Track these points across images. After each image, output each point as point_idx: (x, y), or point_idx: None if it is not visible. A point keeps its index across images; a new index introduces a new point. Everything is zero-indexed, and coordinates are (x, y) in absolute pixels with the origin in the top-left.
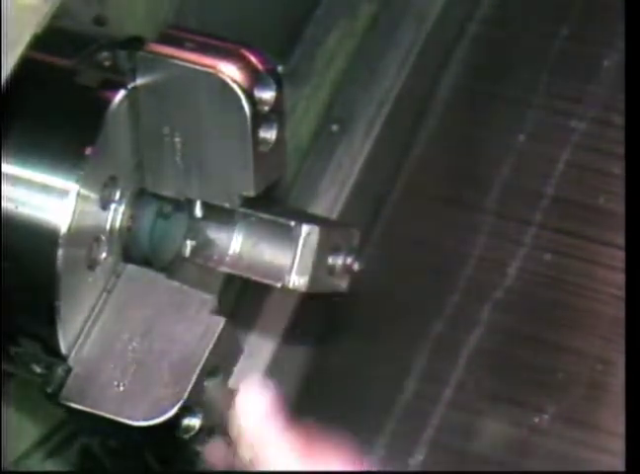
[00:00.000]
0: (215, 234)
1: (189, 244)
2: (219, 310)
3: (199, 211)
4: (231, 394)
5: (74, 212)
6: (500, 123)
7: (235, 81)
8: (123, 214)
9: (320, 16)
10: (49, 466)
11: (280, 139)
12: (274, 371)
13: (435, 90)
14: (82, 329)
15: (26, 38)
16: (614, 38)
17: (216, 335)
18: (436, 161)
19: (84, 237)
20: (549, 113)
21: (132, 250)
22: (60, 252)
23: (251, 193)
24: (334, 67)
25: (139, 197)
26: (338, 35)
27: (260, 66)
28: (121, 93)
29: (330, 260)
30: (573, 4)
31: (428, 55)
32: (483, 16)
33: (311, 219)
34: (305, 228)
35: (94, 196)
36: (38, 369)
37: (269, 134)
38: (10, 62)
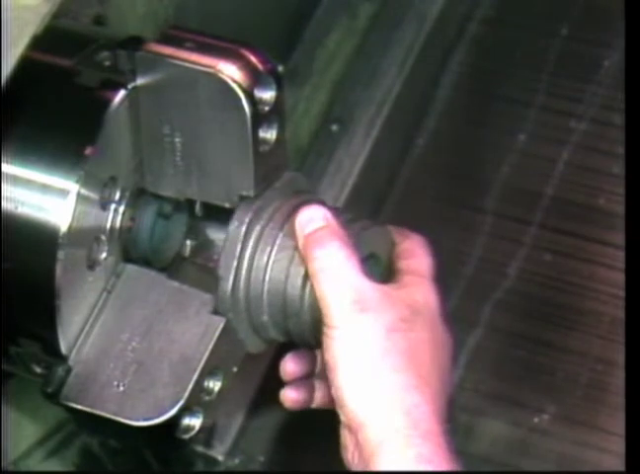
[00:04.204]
0: (215, 234)
1: (189, 244)
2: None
3: (199, 211)
4: None
5: (74, 212)
6: (500, 123)
7: (235, 81)
8: (123, 214)
9: (320, 16)
10: (49, 466)
11: (279, 139)
12: (274, 371)
13: (435, 90)
14: (82, 329)
15: (26, 38)
16: (614, 38)
17: (216, 335)
18: (436, 161)
19: (84, 237)
20: (549, 113)
21: (132, 250)
22: (60, 252)
23: (251, 193)
24: (334, 67)
25: (139, 197)
26: (338, 35)
27: (260, 66)
28: (121, 93)
29: None
30: (573, 4)
31: (428, 55)
32: (483, 16)
33: None
34: None
35: (94, 196)
36: (38, 369)
37: (269, 134)
38: (10, 62)
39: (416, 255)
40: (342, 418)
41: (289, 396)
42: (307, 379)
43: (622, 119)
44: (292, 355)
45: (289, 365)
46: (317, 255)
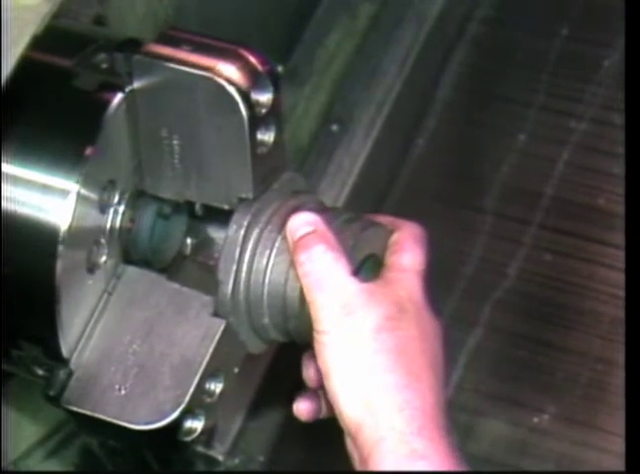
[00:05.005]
0: (215, 233)
1: (189, 242)
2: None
3: (199, 211)
4: None
5: (74, 213)
6: (500, 123)
7: (232, 83)
8: (123, 216)
9: (320, 16)
10: (49, 466)
11: (277, 141)
12: (274, 370)
13: (435, 90)
14: (83, 332)
15: (26, 38)
16: (614, 38)
17: (217, 337)
18: (436, 161)
19: (84, 239)
20: (549, 113)
21: (132, 251)
22: (60, 252)
23: (250, 195)
24: (334, 67)
25: (139, 198)
26: (338, 35)
27: (258, 66)
28: (119, 96)
29: None
30: (573, 4)
31: (428, 55)
32: (483, 16)
33: None
34: None
35: (93, 197)
36: (39, 372)
37: (266, 136)
38: (10, 62)
39: (403, 248)
40: (341, 424)
41: (302, 407)
42: (316, 389)
43: (622, 119)
44: (309, 358)
45: (312, 371)
46: (303, 259)
